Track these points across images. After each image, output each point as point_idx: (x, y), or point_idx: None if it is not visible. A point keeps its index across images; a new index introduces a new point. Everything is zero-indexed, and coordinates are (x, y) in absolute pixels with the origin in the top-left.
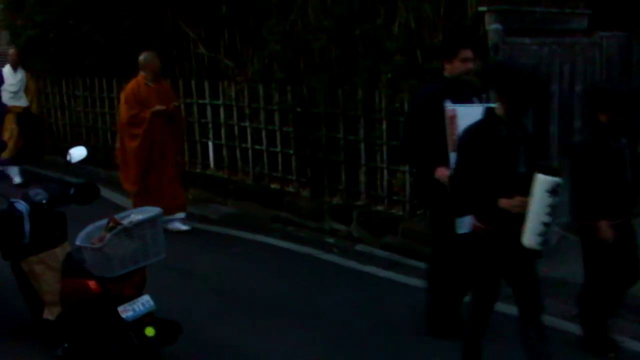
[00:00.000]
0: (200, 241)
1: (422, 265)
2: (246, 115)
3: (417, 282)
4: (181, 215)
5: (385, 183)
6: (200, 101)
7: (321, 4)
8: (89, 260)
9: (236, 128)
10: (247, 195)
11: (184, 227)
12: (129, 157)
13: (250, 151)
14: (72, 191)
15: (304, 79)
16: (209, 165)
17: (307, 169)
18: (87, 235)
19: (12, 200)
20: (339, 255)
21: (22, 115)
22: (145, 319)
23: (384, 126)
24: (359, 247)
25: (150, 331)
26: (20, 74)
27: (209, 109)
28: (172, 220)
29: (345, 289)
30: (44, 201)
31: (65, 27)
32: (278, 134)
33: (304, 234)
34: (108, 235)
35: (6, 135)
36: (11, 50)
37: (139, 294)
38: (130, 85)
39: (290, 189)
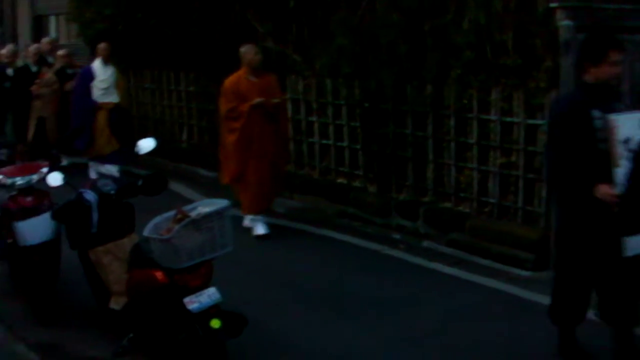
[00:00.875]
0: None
1: (487, 262)
2: (314, 109)
3: (482, 279)
4: (259, 217)
5: (452, 180)
6: None
7: None
8: (157, 251)
9: (303, 122)
10: (314, 190)
11: (262, 230)
12: (227, 151)
13: (317, 146)
14: (140, 182)
15: (372, 73)
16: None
17: (374, 164)
18: (155, 226)
19: (81, 190)
20: (405, 251)
21: (114, 111)
22: (211, 310)
23: (452, 122)
24: (425, 244)
25: (215, 323)
26: (111, 69)
27: None
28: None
29: (411, 286)
30: (113, 192)
31: (133, 20)
32: (345, 128)
33: (371, 229)
34: (176, 227)
35: (97, 133)
36: (102, 44)
37: (205, 285)
38: (230, 79)
39: (357, 184)
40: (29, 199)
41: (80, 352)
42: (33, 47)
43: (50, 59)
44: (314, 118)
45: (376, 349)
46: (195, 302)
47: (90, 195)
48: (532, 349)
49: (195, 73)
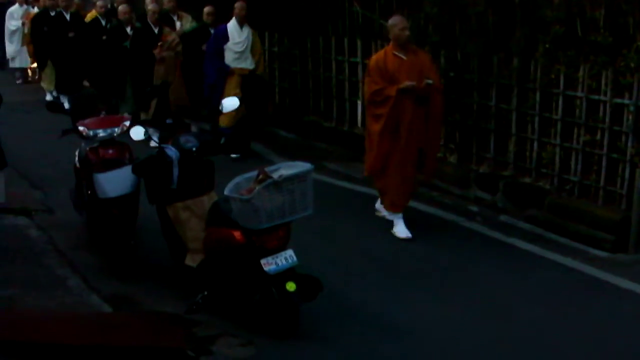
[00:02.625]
0: (345, 200)
1: (564, 240)
2: None
3: (558, 257)
4: (398, 215)
5: (534, 155)
6: (353, 59)
7: None
8: (236, 210)
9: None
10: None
11: (404, 234)
12: (371, 140)
13: None
14: (222, 140)
15: (459, 43)
16: (356, 123)
17: (456, 134)
18: (236, 185)
19: (162, 145)
20: (482, 224)
21: (248, 78)
22: (288, 273)
23: (538, 97)
24: (503, 218)
25: (291, 286)
26: (247, 31)
27: (360, 67)
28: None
29: (487, 260)
30: (194, 148)
31: None
32: None
33: (448, 200)
34: (257, 188)
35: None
36: (238, 3)
37: (282, 248)
38: (376, 56)
39: (440, 154)
40: (110, 151)
41: (153, 306)
42: (151, 5)
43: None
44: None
45: (451, 324)
46: (272, 263)
47: (171, 151)
48: (607, 331)
49: (279, 33)
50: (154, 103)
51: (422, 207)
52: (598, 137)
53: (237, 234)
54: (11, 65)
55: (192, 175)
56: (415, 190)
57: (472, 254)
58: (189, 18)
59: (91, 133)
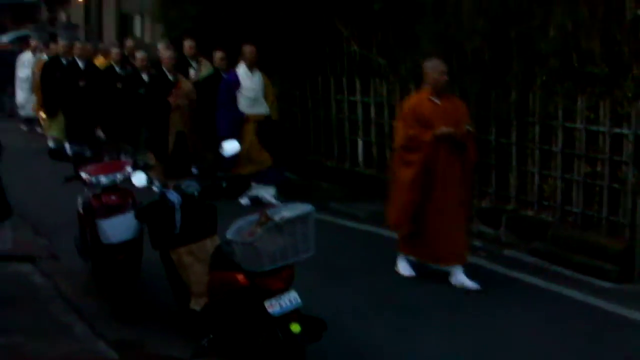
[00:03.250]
0: (348, 239)
1: (569, 272)
2: (397, 113)
3: (563, 289)
4: (459, 268)
5: (536, 188)
6: (351, 98)
7: (475, 5)
8: (239, 253)
9: (386, 126)
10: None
11: (471, 284)
12: (399, 187)
13: None
14: (224, 184)
15: (456, 80)
16: (357, 162)
17: None
18: (238, 229)
19: (164, 190)
20: (486, 258)
21: (263, 124)
22: (292, 314)
23: (537, 130)
24: (507, 252)
25: (295, 327)
26: (258, 75)
27: (359, 106)
28: (453, 274)
29: (492, 295)
30: (196, 193)
31: (219, 21)
32: None
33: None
34: (259, 230)
35: (243, 149)
36: (248, 47)
37: (286, 289)
38: (411, 101)
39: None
40: (113, 197)
41: (159, 351)
42: (167, 51)
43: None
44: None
45: (463, 357)
46: (276, 305)
47: (173, 196)
48: None
49: (279, 75)
50: (169, 150)
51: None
52: (599, 168)
53: (240, 277)
54: (20, 113)
55: (195, 219)
56: (467, 241)
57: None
58: (209, 64)
59: (94, 179)
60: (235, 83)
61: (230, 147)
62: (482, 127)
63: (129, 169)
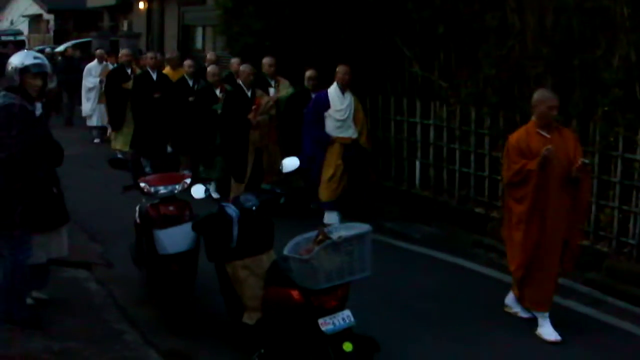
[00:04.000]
0: (402, 260)
1: (623, 304)
2: (456, 137)
3: (617, 321)
4: (544, 314)
5: (592, 217)
6: (411, 120)
7: (540, 31)
8: (295, 270)
9: (445, 149)
10: (451, 217)
11: (553, 336)
12: (514, 226)
13: (457, 173)
14: (282, 200)
15: (518, 105)
16: (414, 184)
17: None
18: (295, 245)
19: (223, 204)
20: None
21: (350, 148)
22: (345, 333)
23: (596, 159)
24: (560, 281)
25: (348, 346)
26: (349, 97)
27: (419, 128)
28: (542, 324)
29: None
30: (254, 207)
31: (282, 36)
32: (487, 158)
33: (505, 262)
34: (316, 248)
35: (327, 174)
36: (341, 67)
37: (340, 308)
38: (516, 135)
39: (495, 214)
40: (171, 208)
41: None
42: (245, 66)
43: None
44: (456, 145)
45: None
46: (329, 323)
47: (231, 210)
48: None
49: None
50: (249, 169)
51: (479, 267)
52: None
53: (295, 294)
54: (88, 123)
55: (252, 234)
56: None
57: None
58: (287, 84)
59: (152, 190)
60: (325, 103)
61: (291, 163)
62: None
63: (187, 180)
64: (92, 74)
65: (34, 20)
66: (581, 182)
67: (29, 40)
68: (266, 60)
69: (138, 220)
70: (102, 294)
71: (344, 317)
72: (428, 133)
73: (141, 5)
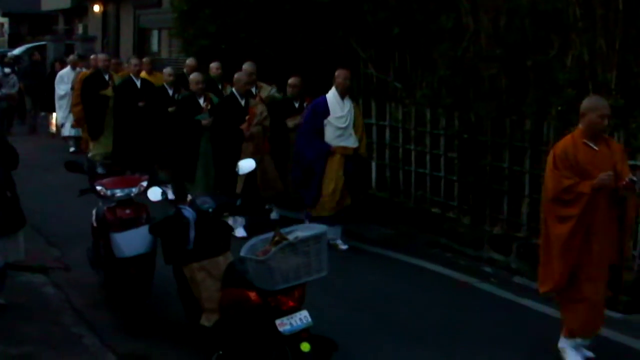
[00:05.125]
0: (358, 261)
1: None
2: (412, 138)
3: None
4: (578, 341)
5: None
6: (367, 121)
7: (494, 32)
8: (252, 271)
9: (401, 150)
10: (407, 218)
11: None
12: (552, 247)
13: (413, 174)
14: (238, 202)
15: (472, 106)
16: (371, 185)
17: (470, 196)
18: (252, 247)
19: (180, 206)
20: (496, 285)
21: (351, 159)
22: (302, 334)
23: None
24: (517, 279)
25: (305, 347)
26: (349, 103)
27: (374, 129)
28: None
29: (500, 321)
30: (210, 210)
31: (237, 39)
32: (442, 159)
33: (462, 261)
34: (273, 249)
35: (329, 187)
36: (340, 72)
37: (297, 308)
38: (563, 144)
39: (451, 215)
40: (128, 211)
41: None
42: (240, 74)
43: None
44: (411, 146)
45: None
46: (286, 324)
47: (188, 212)
48: None
49: None
50: (241, 181)
51: (435, 267)
52: None
53: (252, 295)
54: (63, 133)
55: (209, 236)
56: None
57: (485, 315)
58: (269, 88)
59: (109, 193)
60: (324, 110)
61: (246, 165)
62: (496, 154)
63: (144, 183)
64: (64, 81)
65: None
66: (627, 199)
67: None
68: (247, 66)
69: (95, 224)
70: (59, 298)
71: (301, 318)
72: (384, 134)
73: (96, 8)
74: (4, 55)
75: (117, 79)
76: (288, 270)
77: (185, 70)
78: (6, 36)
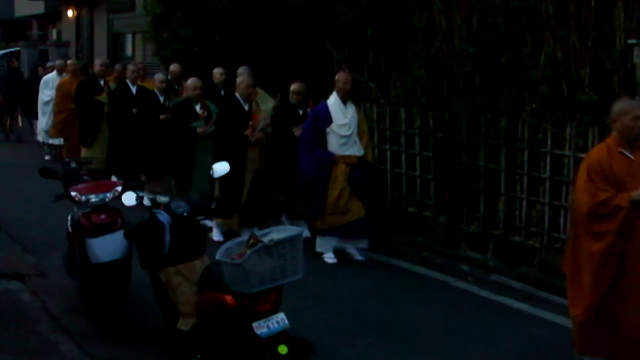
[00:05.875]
0: (335, 262)
1: (556, 298)
2: (387, 137)
3: (550, 315)
4: None
5: (524, 214)
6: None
7: (467, 30)
8: (228, 275)
9: (376, 150)
10: (383, 218)
11: None
12: (584, 266)
13: (388, 174)
14: (213, 205)
15: (447, 104)
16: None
17: (445, 194)
18: (227, 250)
19: (154, 210)
20: (473, 283)
21: (357, 168)
22: (279, 336)
23: (526, 156)
24: (494, 277)
25: (283, 349)
26: (352, 109)
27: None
28: None
29: (478, 319)
30: (185, 213)
31: (210, 42)
32: (418, 158)
33: (439, 260)
34: (248, 252)
35: (332, 200)
36: (341, 76)
37: (274, 311)
38: (597, 153)
39: (427, 214)
40: (103, 216)
41: None
42: (244, 78)
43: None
44: (386, 146)
45: None
46: (263, 327)
47: (163, 216)
48: None
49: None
50: (245, 193)
51: (412, 266)
52: None
53: (228, 298)
54: (40, 138)
55: (184, 240)
56: None
57: (463, 313)
58: (266, 96)
59: (83, 198)
60: (325, 117)
61: (221, 168)
62: (471, 153)
63: (119, 188)
64: (49, 86)
65: None
66: None
67: None
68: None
69: (70, 230)
70: (36, 305)
71: (278, 320)
72: None
73: (70, 13)
74: None
75: (112, 84)
76: (263, 272)
77: (169, 77)
78: None
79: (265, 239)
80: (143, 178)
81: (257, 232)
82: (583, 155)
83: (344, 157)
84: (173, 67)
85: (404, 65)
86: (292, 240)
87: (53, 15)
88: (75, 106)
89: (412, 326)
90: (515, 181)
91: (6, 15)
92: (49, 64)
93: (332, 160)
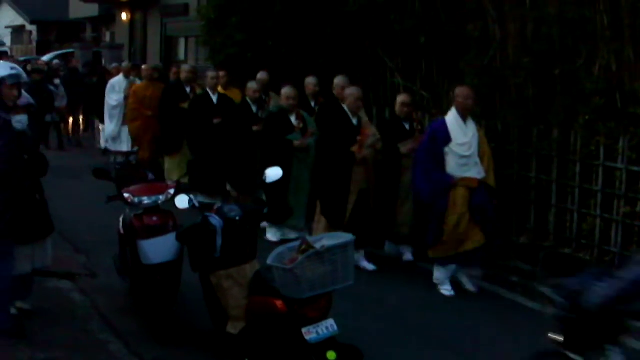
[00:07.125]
0: (384, 270)
1: None
2: None
3: None
4: None
5: (574, 226)
6: None
7: (521, 41)
8: (279, 280)
9: None
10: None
11: None
12: None
13: None
14: (265, 210)
15: (499, 114)
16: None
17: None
18: (279, 255)
19: (207, 214)
20: (522, 294)
21: (479, 192)
22: (328, 342)
23: (578, 168)
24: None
25: (332, 355)
26: (472, 127)
27: None
28: None
29: (526, 330)
30: (237, 217)
31: (264, 48)
32: None
33: (490, 271)
34: (300, 257)
35: (451, 225)
36: (464, 90)
37: (324, 317)
38: None
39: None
40: (155, 218)
41: None
42: (354, 89)
43: None
44: None
45: None
46: (313, 332)
47: (215, 220)
48: None
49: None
50: (348, 213)
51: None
52: (638, 208)
53: (279, 303)
54: (111, 147)
55: (235, 244)
56: None
57: (509, 323)
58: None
59: (136, 200)
60: (444, 136)
61: (274, 173)
62: (523, 163)
63: (171, 191)
64: (115, 90)
65: (17, 32)
66: None
67: (11, 50)
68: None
69: (122, 231)
70: (86, 304)
71: (328, 326)
72: None
73: (124, 16)
74: (28, 62)
75: (199, 91)
76: (314, 278)
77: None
78: (34, 44)
79: (317, 245)
80: (234, 194)
81: (309, 239)
82: (636, 169)
83: (463, 179)
84: (261, 75)
85: (457, 74)
86: (343, 246)
87: (107, 18)
88: (159, 114)
89: (461, 335)
90: (567, 193)
91: (61, 17)
92: (114, 64)
93: (450, 184)
